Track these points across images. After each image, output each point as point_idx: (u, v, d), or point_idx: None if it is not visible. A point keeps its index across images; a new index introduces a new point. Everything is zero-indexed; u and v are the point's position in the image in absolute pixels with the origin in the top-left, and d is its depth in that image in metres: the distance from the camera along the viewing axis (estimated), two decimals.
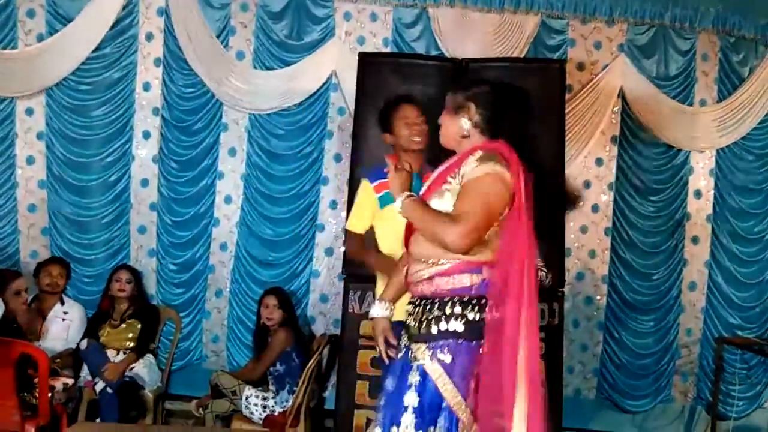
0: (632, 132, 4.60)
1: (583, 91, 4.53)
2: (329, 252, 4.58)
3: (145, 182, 4.54)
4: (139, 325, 4.13)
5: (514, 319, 2.11)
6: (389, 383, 2.28)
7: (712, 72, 4.65)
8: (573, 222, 4.55)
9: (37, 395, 3.28)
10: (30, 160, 4.51)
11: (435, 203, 2.27)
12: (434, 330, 2.17)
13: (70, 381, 3.79)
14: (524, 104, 2.73)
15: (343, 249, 3.86)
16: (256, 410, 3.86)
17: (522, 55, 4.45)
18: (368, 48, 4.47)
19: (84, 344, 3.95)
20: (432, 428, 2.15)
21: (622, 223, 4.60)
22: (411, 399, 2.16)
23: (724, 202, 4.68)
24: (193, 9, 4.42)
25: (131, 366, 3.97)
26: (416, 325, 2.23)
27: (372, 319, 2.52)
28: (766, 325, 4.69)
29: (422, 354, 2.18)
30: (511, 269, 2.13)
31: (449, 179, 2.31)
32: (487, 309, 2.14)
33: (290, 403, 3.81)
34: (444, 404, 2.15)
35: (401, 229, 2.39)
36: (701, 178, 4.69)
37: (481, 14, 4.50)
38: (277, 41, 4.51)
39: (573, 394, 4.54)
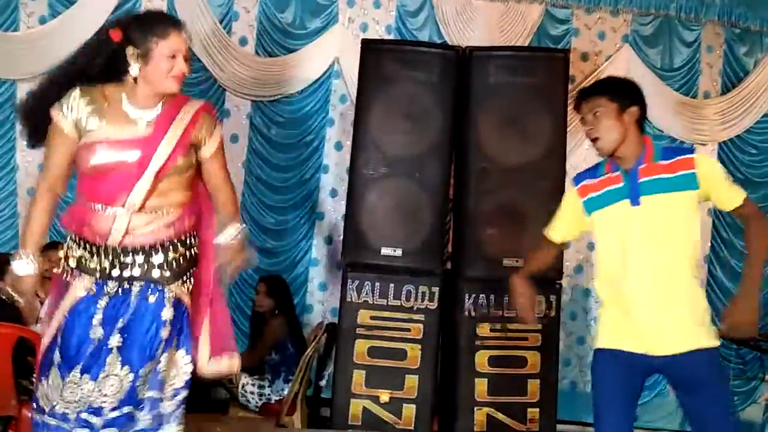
0: None
1: (586, 81, 4.50)
2: (329, 241, 4.58)
3: None
4: None
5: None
6: None
7: (716, 64, 4.62)
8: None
9: (34, 380, 3.28)
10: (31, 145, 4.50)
11: None
12: None
13: None
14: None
15: (341, 238, 3.86)
16: (253, 398, 3.88)
17: (525, 45, 4.42)
18: (371, 35, 4.45)
19: None
20: None
21: None
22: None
23: None
24: None
25: None
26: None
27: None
28: (765, 321, 4.69)
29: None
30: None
31: None
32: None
33: (286, 392, 3.83)
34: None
35: (622, 232, 2.36)
36: None
37: (485, 3, 4.48)
38: (280, 28, 4.49)
39: (569, 386, 4.55)
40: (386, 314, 3.66)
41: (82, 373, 2.18)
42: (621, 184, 2.37)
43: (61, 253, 2.38)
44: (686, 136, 4.59)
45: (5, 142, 4.48)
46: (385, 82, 3.74)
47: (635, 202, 2.33)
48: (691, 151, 2.41)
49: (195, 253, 2.37)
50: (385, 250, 3.68)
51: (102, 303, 2.24)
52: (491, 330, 3.67)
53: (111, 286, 2.26)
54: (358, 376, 3.64)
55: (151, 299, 2.24)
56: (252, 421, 3.86)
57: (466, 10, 4.47)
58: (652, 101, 4.44)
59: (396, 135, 3.72)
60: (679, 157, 2.33)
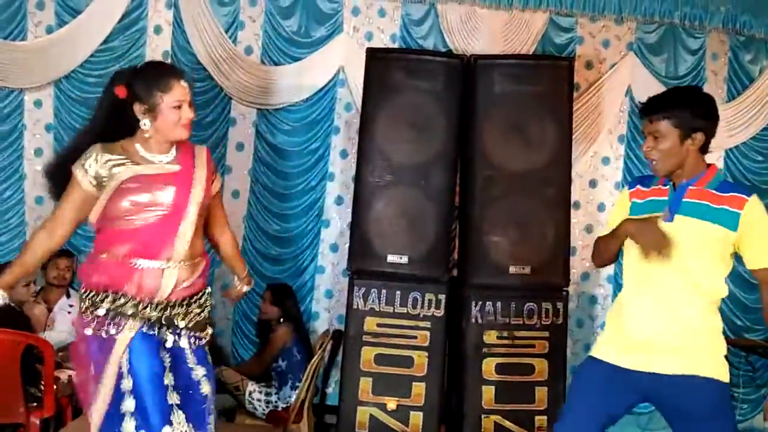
0: (640, 131, 4.55)
1: (591, 89, 4.51)
2: (334, 248, 4.58)
3: None
4: None
5: None
6: None
7: (721, 71, 4.62)
8: (578, 221, 4.54)
9: (42, 388, 3.29)
10: (38, 152, 4.53)
11: None
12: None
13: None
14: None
15: (347, 245, 3.86)
16: (260, 406, 3.87)
17: (530, 53, 4.43)
18: (376, 44, 4.46)
19: None
20: None
21: None
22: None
23: None
24: (201, 3, 4.42)
25: None
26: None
27: None
28: None
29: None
30: None
31: None
32: None
33: (293, 399, 3.82)
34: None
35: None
36: None
37: (489, 11, 4.49)
38: (285, 36, 4.51)
39: None
40: (393, 321, 3.66)
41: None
42: (665, 198, 2.29)
43: (80, 303, 2.34)
44: None
45: (13, 151, 4.49)
46: (390, 90, 3.75)
47: (670, 218, 2.25)
48: (749, 193, 2.25)
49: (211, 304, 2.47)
50: (391, 258, 3.68)
51: (162, 349, 2.26)
52: (498, 337, 3.67)
53: (164, 334, 2.28)
54: (365, 384, 3.63)
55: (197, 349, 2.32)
56: (259, 428, 3.86)
57: (471, 18, 4.48)
58: None
59: (401, 143, 3.73)
60: (733, 194, 2.22)
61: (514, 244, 3.70)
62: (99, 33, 4.40)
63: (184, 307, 2.30)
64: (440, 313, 3.67)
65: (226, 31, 4.49)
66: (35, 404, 3.27)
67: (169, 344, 2.27)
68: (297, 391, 3.82)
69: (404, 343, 3.65)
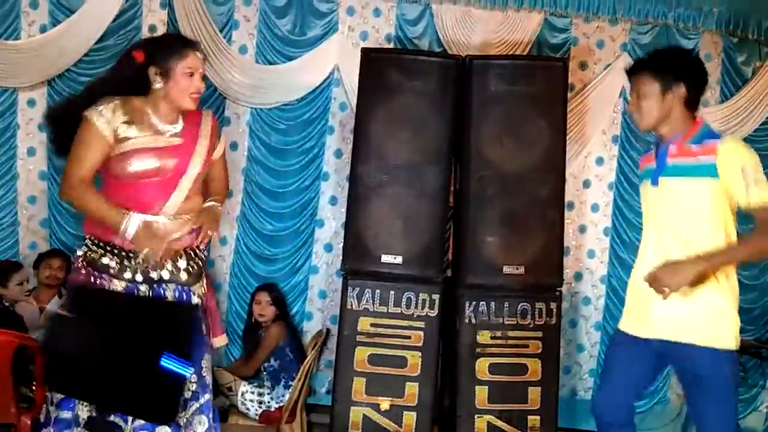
0: (633, 132, 4.59)
1: (585, 90, 4.52)
2: (328, 248, 4.58)
3: None
4: None
5: None
6: None
7: (715, 73, 4.64)
8: (572, 221, 4.54)
9: (34, 388, 3.28)
10: (31, 152, 4.51)
11: None
12: None
13: None
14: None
15: (337, 240, 3.86)
16: (252, 406, 3.87)
17: (525, 53, 4.44)
18: (371, 44, 4.46)
19: None
20: None
21: (621, 224, 4.59)
22: None
23: None
24: (196, 2, 4.41)
25: None
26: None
27: None
28: (765, 328, 4.69)
29: None
30: None
31: None
32: None
33: (286, 399, 3.82)
34: None
35: (646, 211, 2.42)
36: None
37: (484, 11, 4.49)
38: (280, 36, 4.51)
39: (569, 394, 4.54)
40: (386, 321, 3.66)
41: None
42: (653, 163, 2.34)
43: (79, 254, 2.45)
44: None
45: (6, 150, 4.48)
46: (384, 90, 3.76)
47: (654, 182, 2.29)
48: (719, 136, 2.25)
49: (206, 255, 2.59)
50: (385, 258, 3.68)
51: None
52: (491, 337, 3.67)
53: (143, 290, 2.37)
54: (359, 384, 3.63)
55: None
56: (252, 429, 3.85)
57: (466, 18, 4.49)
58: None
59: (396, 143, 3.73)
60: (706, 142, 2.22)
61: (508, 244, 3.71)
62: (93, 32, 4.38)
63: (170, 260, 2.39)
64: (434, 313, 3.67)
65: (221, 31, 4.48)
66: (27, 405, 3.25)
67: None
68: (290, 391, 3.81)
69: (398, 343, 3.66)
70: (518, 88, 3.77)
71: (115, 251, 2.35)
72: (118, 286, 2.34)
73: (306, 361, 3.78)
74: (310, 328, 4.52)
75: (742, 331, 4.67)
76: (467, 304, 3.69)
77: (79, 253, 2.45)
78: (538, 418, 3.66)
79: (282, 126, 4.54)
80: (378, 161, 3.72)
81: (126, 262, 2.35)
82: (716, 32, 4.59)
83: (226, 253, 4.59)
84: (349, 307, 3.68)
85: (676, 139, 2.29)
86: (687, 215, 2.24)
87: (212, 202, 2.60)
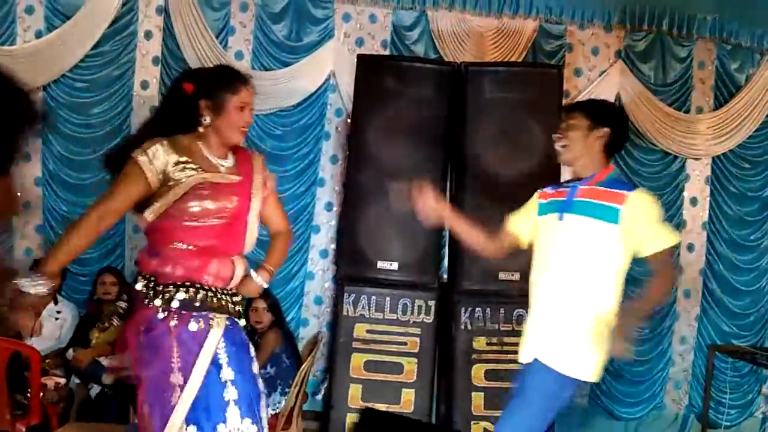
0: (628, 138, 4.60)
1: (580, 96, 4.53)
2: (324, 254, 4.58)
3: None
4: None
5: None
6: None
7: (708, 79, 4.67)
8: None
9: (29, 395, 3.26)
10: (26, 157, 4.50)
11: None
12: None
13: (62, 381, 3.78)
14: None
15: (333, 246, 3.85)
16: None
17: (520, 60, 4.45)
18: (367, 50, 4.47)
19: (70, 353, 3.95)
20: None
21: None
22: None
23: (720, 209, 4.70)
24: (192, 8, 4.42)
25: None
26: None
27: None
28: (761, 334, 4.71)
29: None
30: None
31: None
32: None
33: (282, 405, 3.81)
34: None
35: (546, 242, 2.50)
36: (697, 185, 4.71)
37: (479, 18, 4.51)
38: (276, 42, 4.51)
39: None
40: (382, 328, 3.66)
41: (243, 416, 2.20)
42: (564, 198, 2.46)
43: (146, 297, 2.27)
44: (680, 150, 4.63)
45: None
46: (380, 96, 3.76)
47: (561, 217, 2.42)
48: (632, 188, 2.40)
49: None
50: (381, 264, 3.68)
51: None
52: (487, 344, 3.67)
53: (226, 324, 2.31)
54: (355, 390, 3.63)
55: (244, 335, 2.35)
56: None
57: (462, 25, 4.50)
58: (646, 116, 4.55)
59: (392, 149, 3.73)
60: (617, 190, 2.38)
61: None
62: (89, 38, 4.38)
63: (232, 296, 2.35)
64: (430, 319, 3.67)
65: (217, 37, 4.48)
66: (21, 412, 3.24)
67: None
68: (286, 398, 3.80)
69: (394, 350, 3.65)
70: (513, 94, 3.79)
71: (206, 288, 2.26)
72: (221, 322, 2.26)
73: (302, 367, 3.77)
74: (306, 335, 4.51)
75: (738, 336, 4.73)
76: (463, 310, 3.69)
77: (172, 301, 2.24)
78: None
79: (278, 132, 4.54)
80: (373, 167, 3.73)
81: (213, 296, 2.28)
82: (710, 39, 4.62)
83: None
84: (344, 313, 3.68)
85: (587, 180, 2.43)
86: (582, 253, 2.38)
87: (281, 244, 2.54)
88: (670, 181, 4.65)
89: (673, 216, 4.64)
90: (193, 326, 2.20)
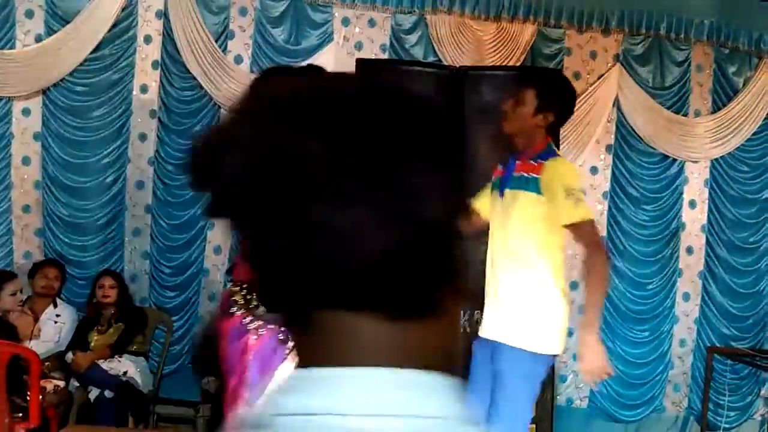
0: (627, 141, 4.62)
1: (578, 100, 4.53)
2: None
3: (140, 185, 4.54)
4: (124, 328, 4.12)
5: None
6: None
7: (706, 83, 4.68)
8: (567, 231, 4.55)
9: (28, 398, 3.26)
10: (26, 161, 4.51)
11: None
12: None
13: (61, 384, 3.78)
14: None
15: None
16: None
17: (518, 64, 4.47)
18: (366, 54, 4.48)
19: (69, 357, 3.95)
20: None
21: (616, 233, 4.61)
22: None
23: (718, 212, 4.71)
24: (191, 12, 4.43)
25: (124, 370, 3.95)
26: None
27: None
28: (760, 336, 4.71)
29: None
30: None
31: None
32: None
33: None
34: None
35: (492, 219, 2.52)
36: (696, 188, 4.72)
37: (478, 23, 4.53)
38: (275, 46, 4.52)
39: (565, 403, 4.54)
40: None
41: None
42: (504, 174, 2.52)
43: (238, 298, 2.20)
44: (678, 153, 4.64)
45: (1, 159, 4.47)
46: None
47: (501, 193, 2.47)
48: (553, 156, 2.43)
49: None
50: None
51: None
52: None
53: None
54: None
55: None
56: None
57: (460, 29, 4.52)
58: (644, 119, 4.56)
59: None
60: (540, 160, 2.42)
61: None
62: (88, 42, 4.39)
63: None
64: None
65: (216, 40, 4.49)
66: (20, 415, 3.24)
67: None
68: None
69: None
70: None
71: None
72: None
73: None
74: None
75: (737, 339, 4.74)
76: (462, 313, 3.69)
77: None
78: (534, 426, 3.65)
79: None
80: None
81: None
82: (708, 43, 4.63)
83: (220, 261, 4.58)
84: None
85: (523, 155, 2.47)
86: (519, 225, 2.42)
87: None
88: (669, 184, 4.66)
89: (672, 219, 4.65)
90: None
